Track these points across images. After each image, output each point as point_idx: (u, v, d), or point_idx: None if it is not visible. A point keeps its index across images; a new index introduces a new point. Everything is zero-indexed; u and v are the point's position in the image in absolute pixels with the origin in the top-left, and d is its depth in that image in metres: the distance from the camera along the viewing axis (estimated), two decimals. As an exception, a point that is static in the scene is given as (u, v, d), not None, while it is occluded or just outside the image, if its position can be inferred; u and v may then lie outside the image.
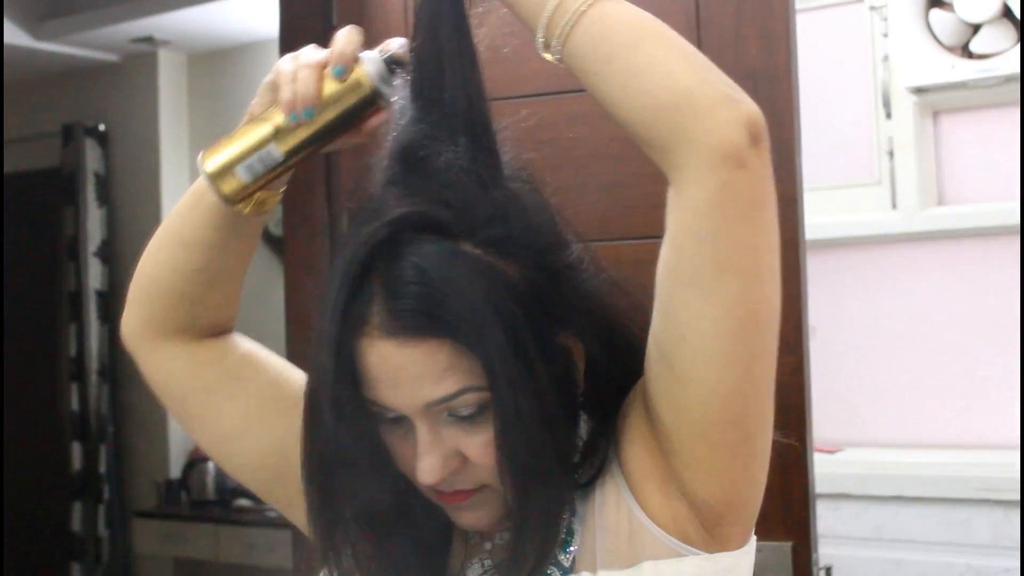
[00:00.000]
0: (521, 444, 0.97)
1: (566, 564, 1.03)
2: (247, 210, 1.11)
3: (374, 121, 1.07)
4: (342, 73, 1.04)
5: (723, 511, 1.00)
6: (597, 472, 1.04)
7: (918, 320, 3.47)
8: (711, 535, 1.01)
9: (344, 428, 0.99)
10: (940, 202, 3.47)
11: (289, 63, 1.05)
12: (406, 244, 0.96)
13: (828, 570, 2.10)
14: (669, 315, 0.96)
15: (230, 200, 1.08)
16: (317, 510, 1.04)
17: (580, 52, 0.96)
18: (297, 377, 1.17)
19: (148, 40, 5.21)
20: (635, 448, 1.03)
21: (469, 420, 0.98)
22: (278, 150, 1.06)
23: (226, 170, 1.07)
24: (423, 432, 0.99)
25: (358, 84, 1.05)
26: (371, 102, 1.06)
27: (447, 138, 1.02)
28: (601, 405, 1.07)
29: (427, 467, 0.99)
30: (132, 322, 1.20)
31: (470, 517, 1.05)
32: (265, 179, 1.08)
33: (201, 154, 1.09)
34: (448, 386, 0.96)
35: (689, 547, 1.00)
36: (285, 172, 1.09)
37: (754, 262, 0.93)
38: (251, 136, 1.07)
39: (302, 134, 1.06)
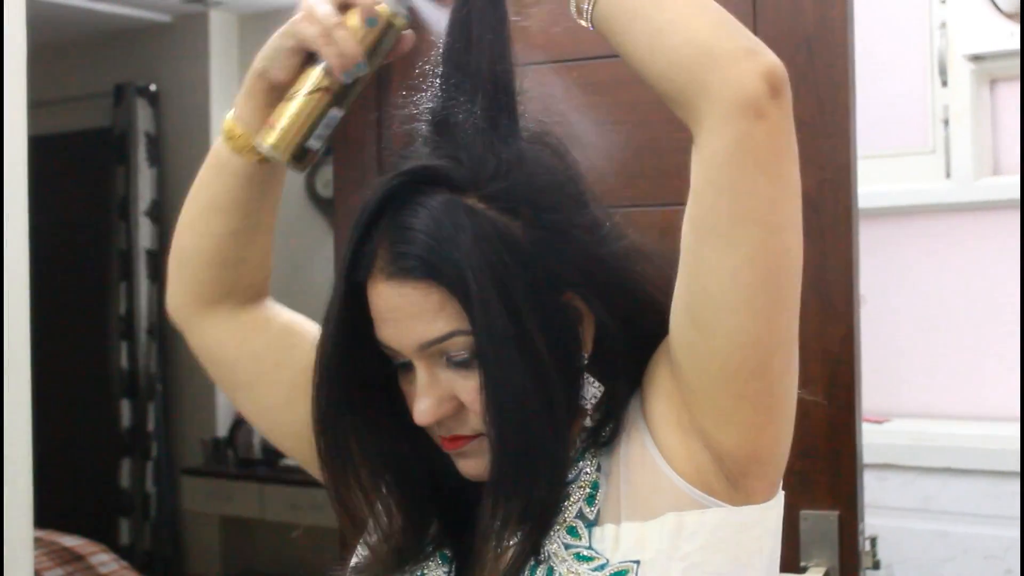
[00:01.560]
0: (503, 391, 1.00)
1: (591, 517, 1.04)
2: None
3: (406, 45, 1.14)
4: (376, 23, 1.09)
5: (746, 463, 1.01)
6: (612, 434, 1.07)
7: (970, 290, 3.44)
8: (735, 488, 1.02)
9: (348, 371, 1.06)
10: (995, 172, 3.42)
11: (311, 27, 1.09)
12: (415, 195, 1.02)
13: (874, 540, 2.09)
14: (691, 267, 0.98)
15: (300, 167, 1.14)
16: (326, 459, 1.10)
17: (608, 14, 0.99)
18: None
19: (200, 0, 5.23)
20: (660, 402, 1.05)
21: (464, 365, 1.03)
22: (338, 110, 1.12)
23: (289, 143, 1.12)
24: (421, 374, 1.04)
25: (388, 24, 1.10)
26: (399, 31, 1.12)
27: (468, 99, 1.06)
28: (614, 368, 1.08)
29: (422, 407, 1.03)
30: (179, 297, 1.25)
31: (469, 465, 1.07)
32: (331, 137, 1.15)
33: (257, 137, 1.14)
34: (439, 328, 1.01)
35: (713, 499, 1.02)
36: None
37: (772, 213, 0.95)
38: (309, 109, 1.12)
39: (354, 86, 1.12)
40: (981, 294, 3.42)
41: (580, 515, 1.05)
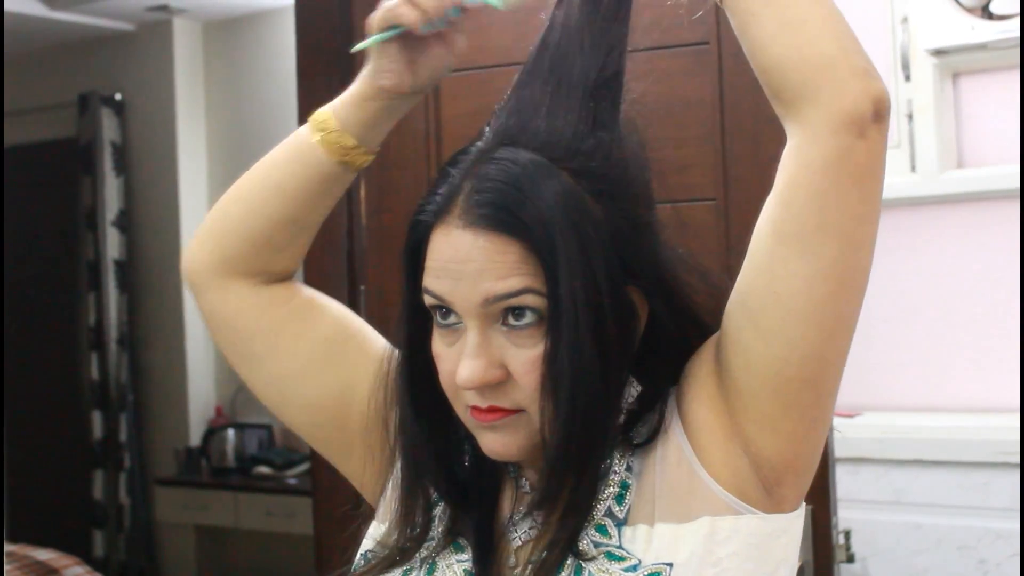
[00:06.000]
0: (570, 365, 0.98)
1: (620, 516, 1.04)
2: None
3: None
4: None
5: (784, 471, 1.02)
6: (652, 435, 1.06)
7: (937, 283, 3.46)
8: (769, 495, 1.02)
9: (418, 320, 1.06)
10: (960, 165, 3.44)
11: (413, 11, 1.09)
12: (504, 151, 1.01)
13: (847, 534, 2.10)
14: (763, 270, 0.98)
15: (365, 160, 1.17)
16: (405, 419, 1.10)
17: None
18: (359, 324, 1.22)
19: (163, 8, 5.21)
20: (700, 405, 1.04)
21: (521, 332, 1.00)
22: None
23: None
24: (473, 335, 1.00)
25: None
26: None
27: (580, 79, 1.05)
28: (656, 370, 1.08)
29: (469, 368, 1.00)
30: (205, 258, 1.21)
31: (499, 441, 1.04)
32: None
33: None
34: (511, 283, 0.98)
35: (747, 506, 1.02)
36: None
37: (856, 230, 0.96)
38: None
39: None
40: (948, 287, 3.45)
41: (609, 513, 1.04)
